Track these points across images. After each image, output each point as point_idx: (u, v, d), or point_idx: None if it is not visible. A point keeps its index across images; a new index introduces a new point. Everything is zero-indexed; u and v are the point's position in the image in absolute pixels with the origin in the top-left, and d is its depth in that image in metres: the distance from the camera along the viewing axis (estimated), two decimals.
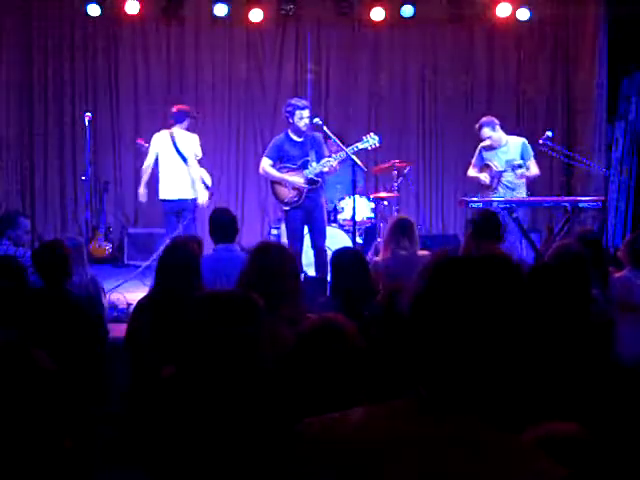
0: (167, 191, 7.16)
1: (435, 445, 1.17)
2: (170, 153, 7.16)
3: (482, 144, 7.30)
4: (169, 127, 7.26)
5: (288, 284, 3.12)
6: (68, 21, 9.60)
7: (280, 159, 6.67)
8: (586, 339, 2.61)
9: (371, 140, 6.67)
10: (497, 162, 7.14)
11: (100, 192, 9.71)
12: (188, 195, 7.12)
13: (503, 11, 9.31)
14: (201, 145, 7.31)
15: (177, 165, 7.14)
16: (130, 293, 6.35)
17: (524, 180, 7.17)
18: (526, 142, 7.21)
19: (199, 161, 7.29)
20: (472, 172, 7.45)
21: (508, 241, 6.21)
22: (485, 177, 7.27)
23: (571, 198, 7.36)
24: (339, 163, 6.62)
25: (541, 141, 7.30)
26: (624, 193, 9.49)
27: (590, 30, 9.56)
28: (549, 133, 7.33)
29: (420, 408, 1.22)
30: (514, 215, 6.86)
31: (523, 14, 9.32)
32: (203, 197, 7.17)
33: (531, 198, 7.61)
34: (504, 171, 7.09)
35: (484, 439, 1.19)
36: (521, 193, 7.17)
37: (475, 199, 6.95)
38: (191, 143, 7.20)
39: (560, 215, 7.98)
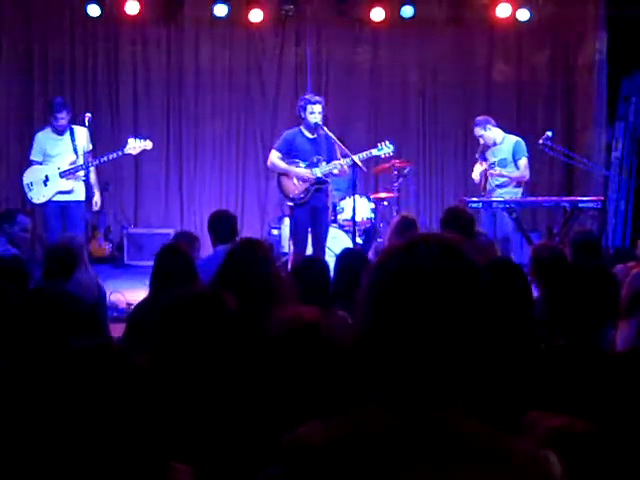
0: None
1: (422, 445, 1.16)
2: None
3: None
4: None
5: (272, 282, 3.02)
6: (68, 21, 9.60)
7: (289, 153, 6.56)
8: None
9: (386, 148, 6.76)
10: (493, 160, 7.14)
11: (100, 192, 9.68)
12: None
13: (503, 11, 9.30)
14: (201, 145, 7.30)
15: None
16: (130, 293, 6.35)
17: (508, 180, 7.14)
18: (520, 141, 7.14)
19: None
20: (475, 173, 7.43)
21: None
22: (475, 176, 7.30)
23: (571, 198, 7.35)
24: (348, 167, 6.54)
25: (541, 141, 7.29)
26: (624, 193, 9.49)
27: (590, 30, 9.56)
28: (549, 133, 7.31)
29: (394, 409, 1.20)
30: (514, 215, 6.86)
31: (523, 14, 9.30)
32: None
33: (531, 198, 7.61)
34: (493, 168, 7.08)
35: (468, 433, 1.18)
36: (513, 190, 7.12)
37: (475, 199, 6.94)
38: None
39: (560, 215, 7.98)
